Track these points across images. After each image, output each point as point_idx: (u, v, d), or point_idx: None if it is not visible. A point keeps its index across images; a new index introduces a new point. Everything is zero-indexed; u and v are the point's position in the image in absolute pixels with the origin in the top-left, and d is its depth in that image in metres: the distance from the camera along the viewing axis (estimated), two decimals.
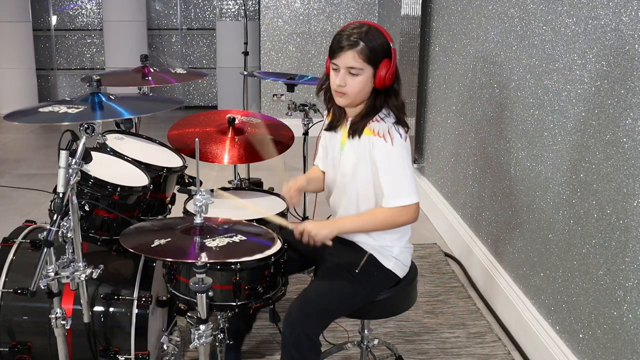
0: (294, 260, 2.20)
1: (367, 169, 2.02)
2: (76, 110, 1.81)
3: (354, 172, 2.06)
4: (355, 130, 2.03)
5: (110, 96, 1.91)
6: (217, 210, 2.27)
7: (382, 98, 2.02)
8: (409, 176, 1.97)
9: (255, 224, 2.07)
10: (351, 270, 2.06)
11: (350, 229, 2.09)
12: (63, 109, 1.82)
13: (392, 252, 2.11)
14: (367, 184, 2.05)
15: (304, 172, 3.27)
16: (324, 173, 2.28)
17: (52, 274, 1.79)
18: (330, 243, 2.01)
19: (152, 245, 1.71)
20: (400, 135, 1.98)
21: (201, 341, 1.79)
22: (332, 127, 2.16)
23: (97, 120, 1.78)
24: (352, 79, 1.97)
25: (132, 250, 1.71)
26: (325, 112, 2.25)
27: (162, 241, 1.73)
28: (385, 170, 1.98)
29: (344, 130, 2.11)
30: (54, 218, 1.68)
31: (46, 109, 1.84)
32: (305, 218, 3.12)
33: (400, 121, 2.03)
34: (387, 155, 1.97)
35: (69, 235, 1.84)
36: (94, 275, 1.89)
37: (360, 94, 2.00)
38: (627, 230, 2.00)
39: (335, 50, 1.98)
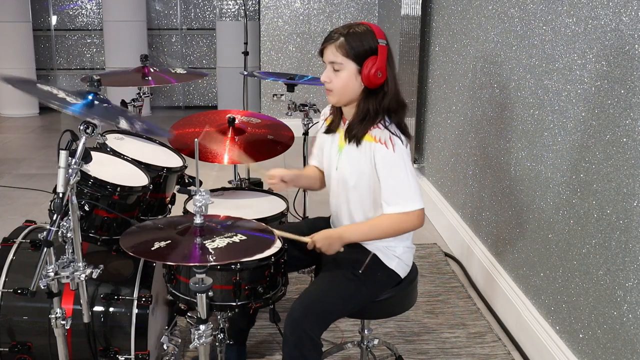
0: (296, 258, 2.20)
1: (369, 175, 2.02)
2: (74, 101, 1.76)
3: (356, 179, 2.05)
4: (354, 135, 2.02)
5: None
6: (218, 210, 2.27)
7: (376, 100, 2.00)
8: (411, 182, 1.96)
9: (255, 221, 2.06)
10: (354, 270, 2.06)
11: (358, 238, 2.08)
12: (62, 94, 1.77)
13: (395, 252, 2.11)
14: (370, 190, 2.04)
15: None
16: (321, 172, 2.28)
17: (52, 274, 1.78)
18: (342, 250, 2.04)
19: (152, 248, 1.71)
20: (402, 140, 1.97)
21: (201, 341, 1.78)
22: (329, 130, 2.17)
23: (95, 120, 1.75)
24: (335, 75, 2.00)
25: (131, 254, 1.71)
26: (322, 115, 2.26)
27: (162, 243, 1.72)
28: (387, 177, 1.96)
29: (340, 133, 2.10)
30: (54, 218, 1.67)
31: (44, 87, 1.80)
32: (304, 217, 3.12)
33: (399, 126, 2.01)
34: (389, 162, 1.96)
35: (68, 235, 1.83)
36: (94, 275, 1.89)
37: (346, 90, 2.01)
38: (627, 230, 2.00)
39: (321, 48, 2.04)
